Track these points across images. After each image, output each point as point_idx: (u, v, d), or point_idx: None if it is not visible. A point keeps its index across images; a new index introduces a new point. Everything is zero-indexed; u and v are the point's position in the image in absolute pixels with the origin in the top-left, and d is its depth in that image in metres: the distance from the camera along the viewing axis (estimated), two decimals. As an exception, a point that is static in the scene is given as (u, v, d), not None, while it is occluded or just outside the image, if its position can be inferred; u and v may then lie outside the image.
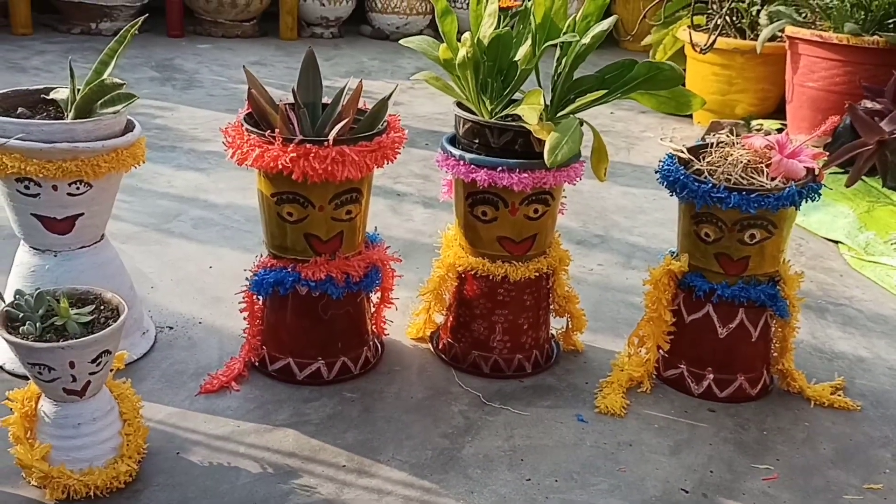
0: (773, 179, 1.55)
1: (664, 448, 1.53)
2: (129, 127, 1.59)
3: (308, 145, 1.46)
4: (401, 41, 1.70)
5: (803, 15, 3.30)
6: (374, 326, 1.75)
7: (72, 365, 1.24)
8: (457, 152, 1.60)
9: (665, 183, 1.59)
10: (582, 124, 1.53)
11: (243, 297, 1.63)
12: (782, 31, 3.28)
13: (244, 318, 1.65)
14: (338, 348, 1.65)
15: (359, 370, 1.68)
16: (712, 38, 3.39)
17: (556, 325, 1.83)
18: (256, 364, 1.67)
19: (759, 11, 3.52)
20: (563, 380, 1.73)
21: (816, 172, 1.58)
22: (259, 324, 1.65)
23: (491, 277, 1.66)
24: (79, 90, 1.54)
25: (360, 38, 5.13)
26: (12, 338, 1.24)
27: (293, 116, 1.55)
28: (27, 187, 1.50)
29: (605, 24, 1.53)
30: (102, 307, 1.34)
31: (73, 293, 1.35)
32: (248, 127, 1.52)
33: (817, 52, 3.12)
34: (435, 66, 1.66)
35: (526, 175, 1.54)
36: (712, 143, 1.65)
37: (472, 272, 1.67)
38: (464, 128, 1.63)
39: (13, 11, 4.43)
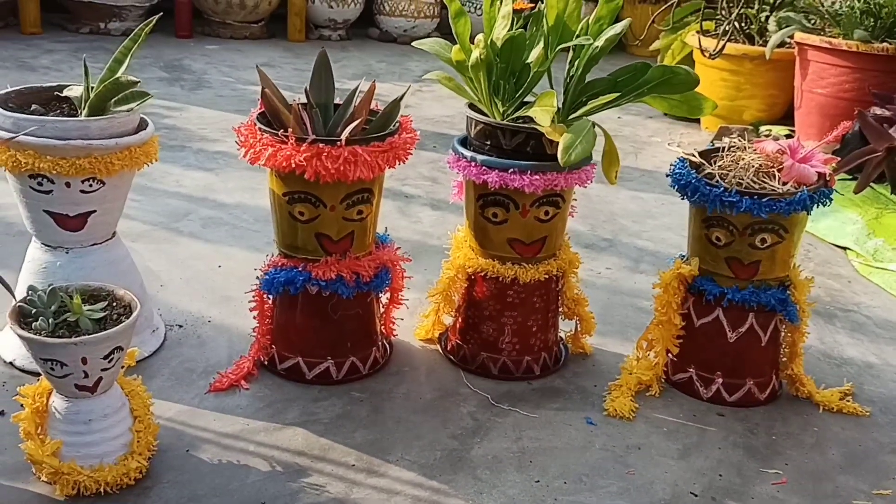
0: (784, 184, 1.55)
1: (673, 451, 1.53)
2: (142, 125, 1.59)
3: (321, 145, 1.46)
4: (414, 43, 1.70)
5: (812, 21, 3.30)
6: (383, 327, 1.75)
7: (84, 361, 1.24)
8: (468, 153, 1.61)
9: (676, 186, 1.60)
10: (594, 126, 1.53)
11: (253, 296, 1.64)
12: (791, 37, 3.28)
13: (254, 317, 1.65)
14: (347, 348, 1.66)
15: (368, 370, 1.69)
16: (721, 43, 3.39)
17: (565, 327, 1.83)
18: (266, 363, 1.67)
19: (767, 17, 3.53)
20: (572, 382, 1.73)
21: (828, 177, 1.58)
22: (269, 323, 1.65)
23: (501, 279, 1.66)
24: (93, 88, 1.54)
25: (368, 41, 5.14)
26: (25, 333, 1.24)
27: (306, 116, 1.55)
28: (40, 184, 1.50)
29: (619, 27, 1.53)
30: (115, 304, 1.34)
31: (86, 289, 1.35)
32: (262, 126, 1.52)
33: (826, 58, 3.12)
34: (444, 69, 1.67)
35: (537, 177, 1.55)
36: (724, 147, 1.65)
37: (482, 274, 1.68)
38: (476, 129, 1.63)
39: (23, 10, 4.45)
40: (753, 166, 1.58)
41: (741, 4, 3.49)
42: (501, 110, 1.61)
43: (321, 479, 1.39)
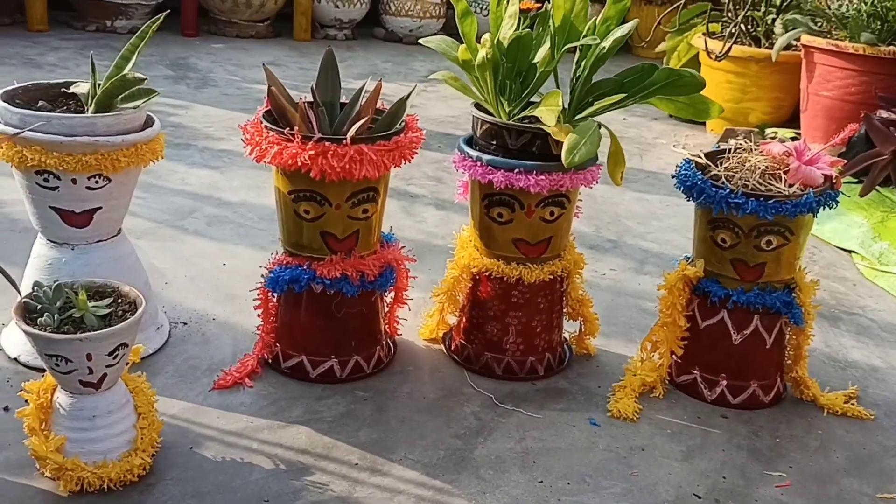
0: (790, 186, 1.55)
1: (677, 453, 1.53)
2: (148, 122, 1.60)
3: (327, 143, 1.46)
4: (421, 40, 1.70)
5: (819, 24, 3.30)
6: (387, 326, 1.75)
7: (89, 357, 1.24)
8: (474, 153, 1.61)
9: (682, 188, 1.59)
10: (599, 127, 1.53)
11: (258, 294, 1.64)
12: (798, 39, 3.27)
13: (258, 315, 1.65)
14: (351, 347, 1.65)
15: (371, 369, 1.69)
16: (727, 45, 3.38)
17: (569, 328, 1.83)
18: (270, 361, 1.67)
19: (774, 20, 3.52)
20: (576, 383, 1.73)
21: (834, 180, 1.58)
22: (273, 321, 1.65)
23: (505, 279, 1.66)
24: (99, 84, 1.54)
25: (374, 41, 5.14)
26: (30, 329, 1.24)
27: (312, 115, 1.55)
28: (46, 180, 1.50)
29: (626, 28, 1.53)
30: (120, 300, 1.34)
31: (92, 286, 1.35)
32: (268, 124, 1.52)
33: (833, 61, 3.11)
34: (449, 70, 1.66)
35: (543, 177, 1.54)
36: (730, 149, 1.65)
37: (487, 274, 1.67)
38: (481, 129, 1.63)
39: (29, 8, 4.46)
40: (759, 168, 1.57)
41: (747, 7, 3.48)
42: (507, 110, 1.61)
43: (324, 478, 1.39)
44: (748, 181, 1.56)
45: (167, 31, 4.64)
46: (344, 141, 1.46)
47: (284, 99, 1.55)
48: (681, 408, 1.66)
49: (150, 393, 1.38)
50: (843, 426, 1.64)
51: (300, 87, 3.63)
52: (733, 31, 3.44)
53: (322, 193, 1.52)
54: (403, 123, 1.58)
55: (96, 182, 1.52)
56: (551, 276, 1.67)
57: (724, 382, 1.66)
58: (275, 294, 1.63)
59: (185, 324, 1.81)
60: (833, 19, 3.19)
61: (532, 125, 1.56)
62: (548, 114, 1.48)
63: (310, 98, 1.60)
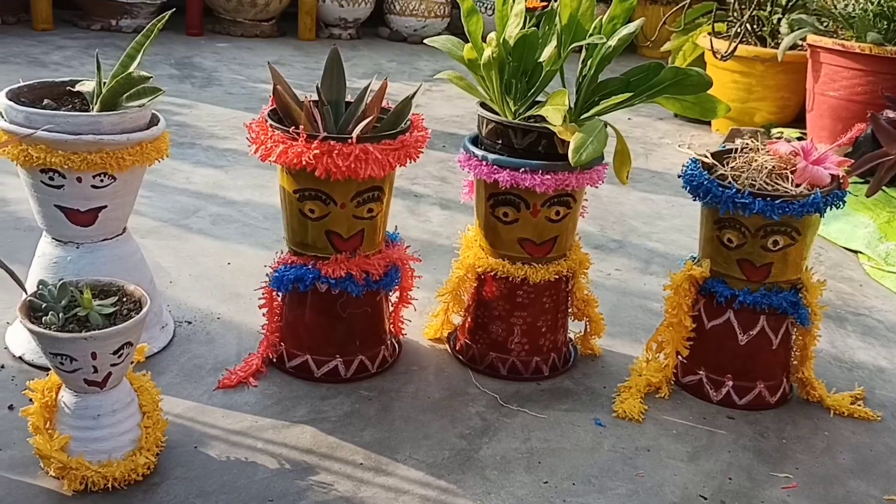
0: (797, 186, 1.54)
1: (682, 454, 1.52)
2: (153, 121, 1.59)
3: (332, 142, 1.46)
4: (426, 40, 1.70)
5: (825, 24, 3.29)
6: (391, 326, 1.75)
7: (93, 356, 1.24)
8: (479, 153, 1.60)
9: (689, 187, 1.59)
10: (606, 126, 1.53)
11: (263, 293, 1.63)
12: (804, 39, 3.26)
13: (263, 315, 1.65)
14: (356, 346, 1.65)
15: (376, 369, 1.68)
16: (733, 45, 3.37)
17: (574, 328, 1.82)
18: (274, 360, 1.67)
19: (780, 19, 3.51)
20: (581, 383, 1.72)
21: (841, 179, 1.57)
22: (278, 320, 1.65)
23: (510, 279, 1.65)
24: (105, 83, 1.54)
25: (378, 40, 5.13)
26: (35, 327, 1.24)
27: (317, 113, 1.55)
28: (52, 179, 1.50)
29: (632, 26, 1.53)
30: (125, 299, 1.34)
31: (97, 285, 1.35)
32: (273, 123, 1.52)
33: (839, 61, 3.10)
34: (454, 69, 1.66)
35: (549, 176, 1.54)
36: (737, 149, 1.64)
37: (492, 273, 1.67)
38: (487, 128, 1.62)
39: (34, 7, 4.46)
40: (766, 168, 1.57)
41: (753, 6, 3.47)
42: (513, 109, 1.60)
43: (329, 477, 1.38)
44: (755, 181, 1.55)
45: (172, 31, 4.64)
46: (349, 140, 1.46)
47: (290, 98, 1.55)
48: (686, 408, 1.65)
49: (154, 392, 1.38)
50: (849, 427, 1.64)
51: (305, 86, 3.63)
52: (739, 30, 3.43)
53: (327, 192, 1.52)
54: (408, 122, 1.58)
55: (101, 181, 1.52)
56: (556, 276, 1.67)
57: (730, 383, 1.66)
58: (279, 293, 1.63)
59: (189, 323, 1.81)
60: (839, 19, 3.18)
61: (538, 124, 1.55)
62: (554, 113, 1.47)
63: (315, 97, 1.59)
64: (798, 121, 3.54)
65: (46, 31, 4.47)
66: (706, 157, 1.64)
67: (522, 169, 1.54)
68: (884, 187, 2.61)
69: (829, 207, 1.54)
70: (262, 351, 1.66)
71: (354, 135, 1.46)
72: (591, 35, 1.54)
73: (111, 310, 1.29)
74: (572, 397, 1.67)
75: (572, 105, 1.59)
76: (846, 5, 3.23)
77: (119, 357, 1.27)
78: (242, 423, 1.50)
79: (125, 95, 1.53)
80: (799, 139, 3.29)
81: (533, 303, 1.68)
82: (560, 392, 1.68)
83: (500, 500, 1.37)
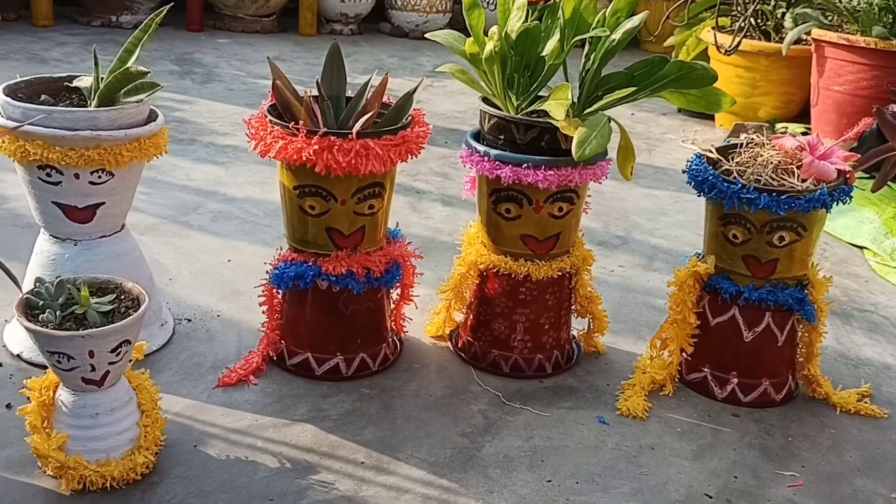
0: (803, 181, 1.53)
1: (687, 452, 1.50)
2: (151, 116, 1.58)
3: (332, 138, 1.44)
4: (427, 34, 1.68)
5: (830, 18, 3.26)
6: (393, 323, 1.73)
7: (91, 354, 1.23)
8: (481, 148, 1.58)
9: (693, 183, 1.57)
10: (609, 121, 1.51)
11: (263, 291, 1.62)
12: (808, 33, 3.24)
13: (263, 312, 1.63)
14: (357, 344, 1.64)
15: (377, 367, 1.67)
16: (737, 39, 3.35)
17: (578, 325, 1.81)
18: (275, 358, 1.66)
19: (784, 14, 3.49)
20: (584, 381, 1.70)
21: (848, 174, 1.55)
22: (278, 318, 1.64)
23: (513, 276, 1.64)
24: (102, 78, 1.53)
25: (379, 36, 5.11)
26: (32, 325, 1.23)
27: (317, 109, 1.53)
28: (49, 175, 1.49)
29: (636, 20, 1.51)
30: (123, 297, 1.32)
31: (94, 282, 1.34)
32: (272, 118, 1.50)
33: (844, 55, 3.08)
34: (456, 64, 1.64)
35: (551, 172, 1.52)
36: (742, 144, 1.62)
37: (494, 270, 1.65)
38: (489, 123, 1.61)
39: (35, 3, 4.44)
40: (772, 163, 1.55)
41: (757, 1, 3.45)
42: (515, 104, 1.59)
43: (330, 477, 1.37)
44: (760, 176, 1.53)
45: (172, 27, 4.62)
46: (349, 135, 1.44)
47: (289, 93, 1.53)
48: (691, 406, 1.64)
49: (153, 390, 1.37)
50: (856, 425, 1.62)
51: (305, 81, 3.61)
52: (743, 25, 3.41)
53: (327, 189, 1.50)
54: (410, 118, 1.56)
55: (99, 177, 1.50)
56: (559, 273, 1.65)
57: (735, 380, 1.64)
58: (280, 291, 1.61)
59: (189, 320, 1.80)
60: (844, 13, 3.16)
61: (540, 119, 1.54)
62: (557, 108, 1.45)
63: (315, 92, 1.58)
64: (802, 116, 3.51)
65: (46, 27, 4.46)
66: (711, 152, 1.62)
67: (525, 164, 1.53)
68: (889, 182, 2.59)
69: (835, 203, 1.52)
70: (262, 349, 1.64)
71: (355, 130, 1.44)
72: (594, 29, 1.52)
73: (109, 307, 1.28)
74: (576, 395, 1.65)
75: (575, 100, 1.57)
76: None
77: (117, 355, 1.25)
78: (242, 421, 1.48)
79: (123, 91, 1.51)
80: (804, 134, 3.27)
81: (536, 300, 1.66)
82: (563, 390, 1.67)
83: (502, 498, 1.36)
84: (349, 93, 1.62)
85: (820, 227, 1.57)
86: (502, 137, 1.58)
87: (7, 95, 1.50)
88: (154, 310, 1.67)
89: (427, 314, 1.84)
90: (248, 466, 1.37)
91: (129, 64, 1.53)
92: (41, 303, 1.27)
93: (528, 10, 1.53)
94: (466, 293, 1.73)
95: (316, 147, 1.43)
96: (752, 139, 1.61)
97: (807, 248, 1.57)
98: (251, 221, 2.32)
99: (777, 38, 3.51)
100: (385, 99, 1.60)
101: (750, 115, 3.55)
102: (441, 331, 1.81)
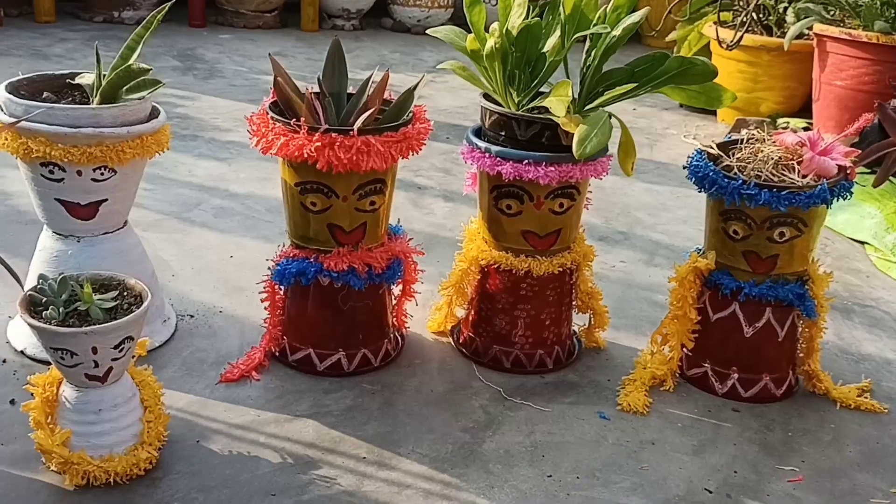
0: (804, 177, 1.53)
1: (687, 447, 1.51)
2: (153, 113, 1.58)
3: (333, 135, 1.44)
4: (428, 31, 1.68)
5: (832, 13, 3.26)
6: (394, 319, 1.74)
7: (94, 350, 1.24)
8: (482, 144, 1.59)
9: (694, 178, 1.57)
10: (610, 117, 1.51)
11: (265, 287, 1.62)
12: (810, 28, 3.23)
13: (265, 308, 1.64)
14: (359, 340, 1.64)
15: (379, 363, 1.67)
16: (739, 34, 3.35)
17: (578, 321, 1.81)
18: (277, 354, 1.66)
19: (786, 8, 3.48)
20: (585, 376, 1.71)
21: (848, 170, 1.56)
22: (280, 314, 1.64)
23: (514, 272, 1.64)
24: (104, 75, 1.53)
25: (381, 31, 5.11)
26: (35, 322, 1.23)
27: (318, 105, 1.53)
28: (52, 172, 1.49)
29: (637, 16, 1.51)
30: (126, 293, 1.33)
31: (97, 279, 1.34)
32: (274, 115, 1.51)
33: (846, 50, 3.07)
34: (458, 60, 1.65)
35: (552, 168, 1.53)
36: (742, 140, 1.62)
37: (495, 266, 1.66)
38: (490, 120, 1.61)
39: (37, -1, 4.45)
40: (773, 159, 1.55)
41: (759, -5, 3.44)
42: (516, 100, 1.59)
43: (331, 472, 1.38)
44: (761, 172, 1.53)
45: (175, 22, 4.62)
46: (351, 132, 1.45)
47: (291, 90, 1.54)
48: (692, 401, 1.64)
49: (156, 386, 1.37)
50: (856, 420, 1.62)
51: (308, 77, 3.61)
52: (745, 19, 3.40)
53: (329, 185, 1.51)
54: (411, 114, 1.56)
55: (102, 174, 1.51)
56: (560, 269, 1.65)
57: (736, 376, 1.64)
58: (282, 287, 1.62)
59: (191, 316, 1.80)
60: (846, 8, 3.15)
61: (541, 116, 1.54)
62: (557, 104, 1.46)
63: (316, 89, 1.58)
64: (804, 110, 3.51)
65: (49, 23, 4.46)
66: (712, 147, 1.62)
67: (526, 161, 1.53)
68: (891, 177, 2.59)
69: (836, 198, 1.52)
70: (264, 345, 1.65)
71: (356, 127, 1.45)
72: (594, 25, 1.53)
73: (112, 304, 1.28)
74: (576, 390, 1.66)
75: (576, 96, 1.57)
76: (853, -6, 3.20)
77: (120, 351, 1.26)
78: (245, 417, 1.49)
79: (125, 88, 1.52)
80: (805, 129, 3.26)
81: (537, 295, 1.67)
82: (564, 385, 1.67)
83: (503, 493, 1.36)
84: (351, 89, 1.62)
85: (820, 223, 1.57)
86: (503, 134, 1.59)
87: (9, 93, 1.50)
88: (157, 306, 1.68)
89: (429, 310, 1.84)
90: (251, 462, 1.38)
91: (131, 61, 1.53)
92: (45, 299, 1.28)
93: (528, 7, 1.53)
94: (468, 289, 1.74)
95: (317, 144, 1.44)
96: (753, 135, 1.62)
97: (807, 244, 1.57)
98: (253, 217, 2.32)
99: (779, 33, 3.51)
100: (386, 95, 1.61)
101: (752, 110, 3.55)
102: (442, 326, 1.81)
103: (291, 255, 1.60)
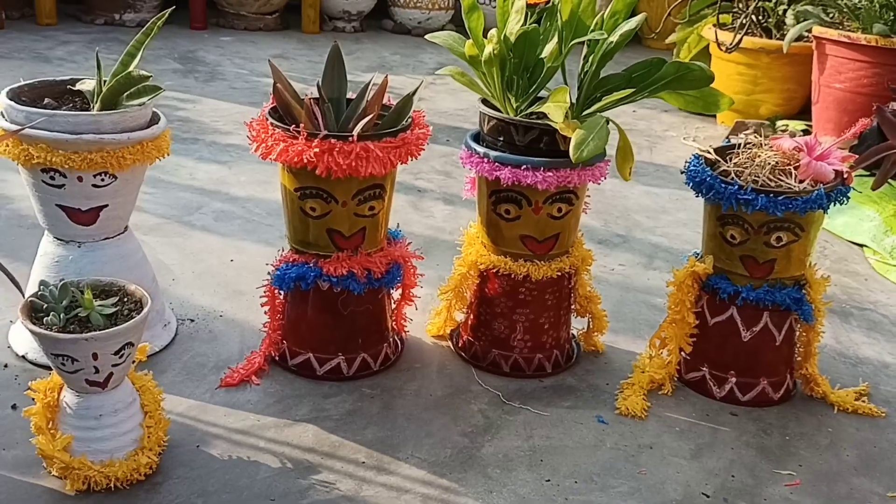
0: (801, 182, 1.53)
1: (685, 451, 1.52)
2: (154, 119, 1.59)
3: (332, 140, 1.45)
4: (427, 36, 1.69)
5: (831, 15, 3.26)
6: (394, 323, 1.75)
7: (95, 356, 1.24)
8: (481, 149, 1.59)
9: (691, 184, 1.58)
10: (608, 122, 1.52)
11: (265, 292, 1.63)
12: (809, 31, 3.24)
13: (265, 313, 1.65)
14: (358, 344, 1.65)
15: (378, 367, 1.68)
16: (738, 37, 3.35)
17: (577, 325, 1.82)
18: (277, 358, 1.67)
19: (785, 11, 3.48)
20: (584, 380, 1.72)
21: (845, 175, 1.56)
22: (280, 318, 1.65)
23: (513, 276, 1.65)
24: (105, 81, 1.54)
25: (382, 33, 5.12)
26: (36, 328, 1.24)
27: (318, 111, 1.54)
28: (53, 178, 1.50)
29: (634, 22, 1.52)
30: (126, 299, 1.34)
31: (97, 285, 1.35)
32: (273, 121, 1.52)
33: (845, 52, 3.08)
34: (458, 60, 1.65)
35: (550, 174, 1.53)
36: (740, 144, 1.63)
37: (494, 270, 1.67)
38: (488, 125, 1.62)
39: (38, 2, 4.46)
40: (769, 164, 1.56)
41: (758, -3, 3.45)
42: (514, 106, 1.60)
43: (331, 476, 1.38)
44: (758, 177, 1.54)
45: (175, 24, 4.63)
46: (350, 138, 1.45)
47: (290, 95, 1.54)
48: (689, 405, 1.65)
49: (156, 391, 1.38)
50: (853, 424, 1.63)
51: (308, 80, 3.62)
52: (744, 22, 3.41)
53: (328, 191, 1.51)
54: (410, 120, 1.57)
55: (102, 180, 1.52)
56: (559, 273, 1.66)
57: (734, 380, 1.65)
58: (281, 291, 1.63)
59: (192, 320, 1.81)
60: (845, 10, 3.16)
61: (539, 121, 1.55)
62: (555, 110, 1.46)
63: (315, 94, 1.59)
64: (804, 113, 3.52)
65: (50, 25, 4.47)
66: (709, 152, 1.63)
67: (524, 166, 1.54)
68: (890, 180, 2.59)
69: (832, 203, 1.53)
70: (264, 349, 1.66)
71: (355, 133, 1.46)
72: (592, 31, 1.53)
73: (112, 310, 1.29)
74: (575, 394, 1.67)
75: (574, 101, 1.58)
76: (852, -4, 3.21)
77: (120, 357, 1.27)
78: (245, 421, 1.50)
79: (125, 94, 1.53)
80: (804, 131, 3.27)
81: (535, 300, 1.67)
82: (563, 389, 1.68)
83: (502, 498, 1.37)
84: (351, 93, 1.63)
85: (817, 228, 1.58)
86: (501, 139, 1.59)
87: (10, 99, 1.51)
88: (157, 310, 1.69)
89: (428, 314, 1.85)
90: (251, 467, 1.39)
91: (131, 67, 1.54)
92: (45, 305, 1.28)
93: (526, 13, 1.54)
94: (467, 293, 1.74)
95: (316, 150, 1.44)
96: (750, 140, 1.62)
97: (804, 249, 1.58)
98: (254, 221, 2.33)
99: (778, 36, 3.51)
100: (386, 100, 1.61)
101: (751, 112, 3.55)
102: (442, 330, 1.82)
103: (291, 259, 1.61)
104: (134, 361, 1.33)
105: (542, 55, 1.56)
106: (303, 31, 4.92)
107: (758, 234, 1.54)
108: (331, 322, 1.63)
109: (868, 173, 2.76)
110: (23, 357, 1.62)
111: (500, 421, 1.56)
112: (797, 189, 1.51)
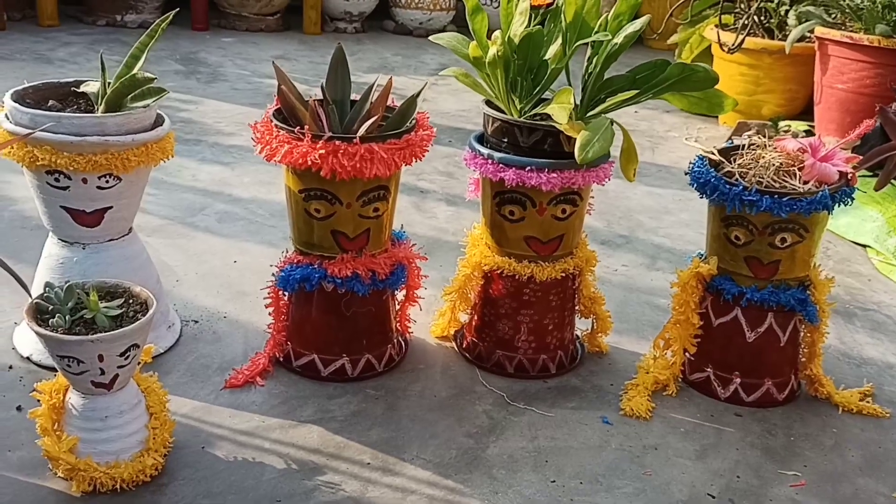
0: (805, 183, 1.54)
1: (690, 452, 1.52)
2: (158, 121, 1.59)
3: (337, 142, 1.45)
4: (431, 37, 1.69)
5: (833, 16, 3.26)
6: (398, 324, 1.75)
7: (100, 358, 1.24)
8: (485, 151, 1.60)
9: (695, 185, 1.58)
10: (612, 124, 1.52)
11: (269, 293, 1.63)
12: (811, 31, 3.24)
13: (269, 314, 1.65)
14: (362, 345, 1.65)
15: (383, 368, 1.68)
16: (740, 37, 3.35)
17: (581, 326, 1.82)
18: (281, 360, 1.67)
19: (787, 11, 3.49)
20: (588, 381, 1.72)
21: (850, 176, 1.56)
22: (284, 319, 1.65)
23: (517, 277, 1.65)
24: (109, 84, 1.54)
25: (383, 34, 5.12)
26: (42, 330, 1.24)
27: (322, 113, 1.54)
28: (57, 180, 1.50)
29: (638, 23, 1.52)
30: (131, 301, 1.34)
31: (103, 286, 1.35)
32: (278, 123, 1.52)
33: (847, 53, 3.08)
34: (459, 61, 1.65)
35: (555, 175, 1.53)
36: (743, 146, 1.63)
37: (498, 271, 1.67)
38: (492, 126, 1.62)
39: (40, 3, 4.46)
40: (774, 165, 1.56)
41: (760, -2, 3.45)
42: (519, 107, 1.60)
43: (336, 478, 1.39)
44: (762, 178, 1.54)
45: (177, 26, 4.63)
46: (354, 139, 1.46)
47: (294, 97, 1.55)
48: (694, 406, 1.65)
49: (161, 393, 1.38)
50: (858, 424, 1.63)
51: (310, 81, 3.63)
52: (746, 22, 3.41)
53: (333, 192, 1.52)
54: (414, 121, 1.57)
55: (107, 181, 1.52)
56: (563, 274, 1.66)
57: (738, 380, 1.65)
58: (286, 293, 1.63)
59: (196, 322, 1.81)
60: (847, 11, 3.16)
61: (544, 122, 1.55)
62: (559, 111, 1.46)
63: (319, 96, 1.59)
64: (806, 113, 3.52)
65: (52, 27, 4.48)
66: (713, 154, 1.63)
67: (528, 167, 1.54)
68: (893, 181, 2.59)
69: (837, 204, 1.53)
70: (268, 350, 1.66)
71: (359, 134, 1.46)
72: (596, 33, 1.53)
73: (117, 312, 1.29)
74: (579, 395, 1.67)
75: (578, 103, 1.58)
76: (854, -3, 3.21)
77: (126, 359, 1.27)
78: (249, 422, 1.50)
79: (130, 96, 1.53)
80: (807, 132, 3.27)
81: (539, 301, 1.67)
82: (567, 390, 1.68)
83: (507, 499, 1.37)
84: (354, 95, 1.63)
85: (822, 229, 1.58)
86: (506, 140, 1.59)
87: (15, 101, 1.51)
88: (162, 312, 1.69)
89: (432, 315, 1.85)
90: (256, 468, 1.39)
91: (135, 69, 1.54)
92: (51, 307, 1.29)
93: (530, 15, 1.54)
94: (471, 294, 1.74)
95: (321, 151, 1.44)
96: (754, 141, 1.62)
97: (808, 250, 1.58)
98: (257, 222, 2.33)
99: (780, 36, 3.51)
100: (390, 101, 1.61)
101: (753, 112, 3.55)
102: (446, 331, 1.82)
103: (295, 261, 1.61)
104: (139, 363, 1.33)
105: (547, 57, 1.56)
106: (304, 31, 4.93)
107: (762, 235, 1.54)
108: (335, 323, 1.63)
109: (871, 174, 2.76)
110: (28, 358, 1.62)
111: (505, 422, 1.56)
112: (802, 190, 1.51)
